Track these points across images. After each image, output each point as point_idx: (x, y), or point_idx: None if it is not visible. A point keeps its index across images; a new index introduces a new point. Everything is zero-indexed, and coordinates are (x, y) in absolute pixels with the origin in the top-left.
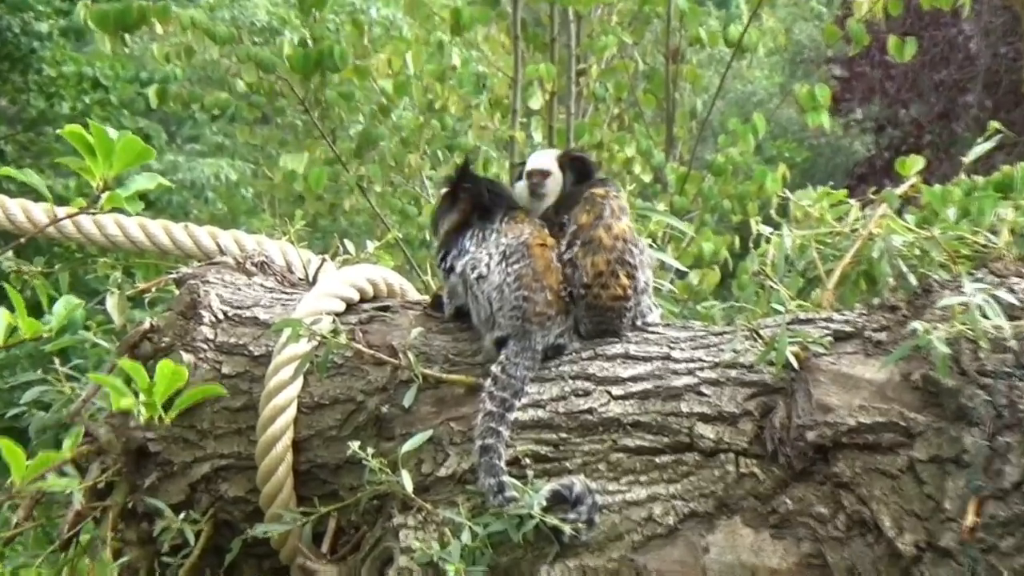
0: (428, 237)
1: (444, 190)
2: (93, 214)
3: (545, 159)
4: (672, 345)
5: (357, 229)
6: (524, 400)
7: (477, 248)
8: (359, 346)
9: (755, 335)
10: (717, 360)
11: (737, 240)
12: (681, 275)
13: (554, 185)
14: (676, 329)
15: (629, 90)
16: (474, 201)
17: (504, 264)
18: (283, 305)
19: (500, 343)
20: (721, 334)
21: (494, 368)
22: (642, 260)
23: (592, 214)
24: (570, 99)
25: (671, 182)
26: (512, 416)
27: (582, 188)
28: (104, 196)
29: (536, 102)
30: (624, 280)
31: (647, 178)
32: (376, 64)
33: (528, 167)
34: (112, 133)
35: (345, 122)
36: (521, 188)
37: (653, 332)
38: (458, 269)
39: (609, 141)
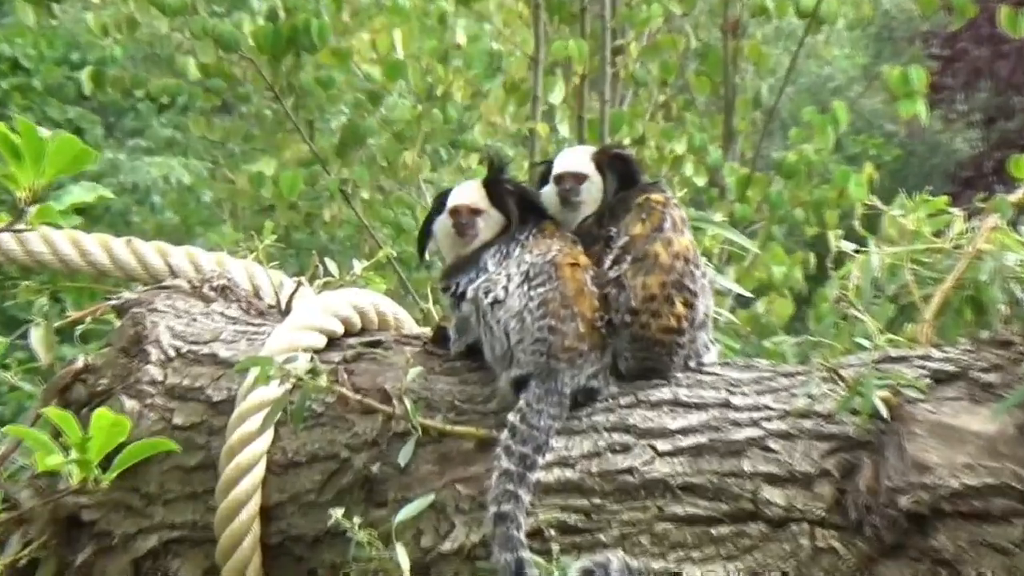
0: (429, 255)
1: (436, 199)
2: (20, 231)
3: (578, 159)
4: (732, 389)
5: (340, 245)
6: (548, 457)
7: (497, 268)
8: (343, 390)
9: (835, 377)
10: (788, 408)
11: (813, 259)
12: (744, 303)
13: (591, 191)
14: (737, 369)
15: (678, 72)
16: (508, 216)
17: (526, 286)
18: (249, 339)
19: (519, 384)
20: (793, 375)
21: (512, 417)
22: (704, 286)
23: (649, 224)
24: (604, 83)
25: (730, 186)
26: (534, 476)
27: (632, 193)
28: (32, 210)
29: (557, 95)
30: (680, 308)
31: (700, 181)
32: (359, 45)
33: (558, 169)
34: (43, 132)
35: (325, 113)
36: (549, 195)
37: (709, 374)
38: (470, 295)
39: (653, 136)
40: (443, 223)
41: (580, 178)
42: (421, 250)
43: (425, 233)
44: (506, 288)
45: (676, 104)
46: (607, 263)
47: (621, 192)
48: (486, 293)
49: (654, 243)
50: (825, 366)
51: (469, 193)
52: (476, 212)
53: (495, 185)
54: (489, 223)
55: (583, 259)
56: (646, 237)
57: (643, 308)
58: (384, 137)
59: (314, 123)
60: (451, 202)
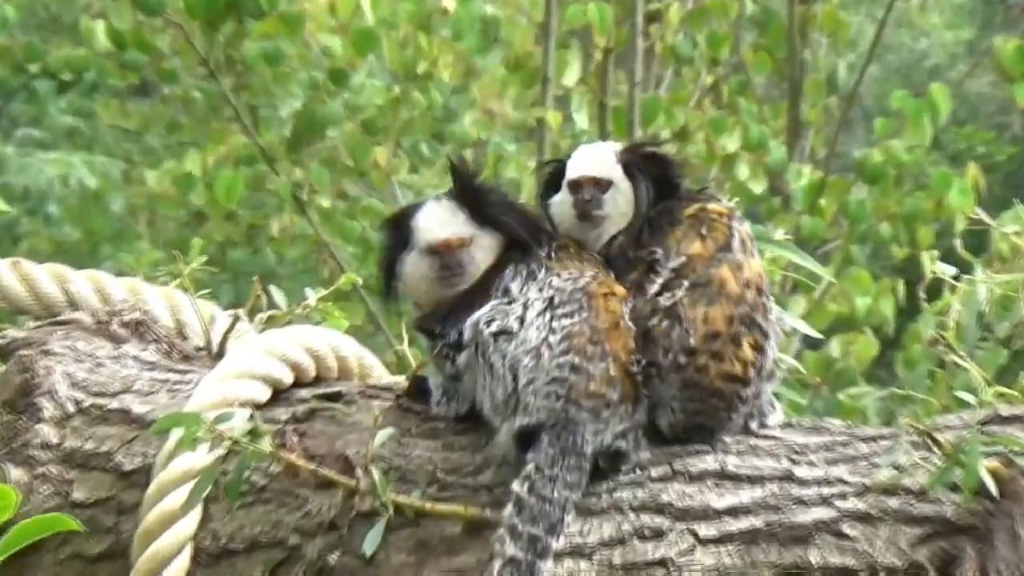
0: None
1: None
2: None
3: (601, 159)
4: (796, 457)
5: (291, 268)
6: (559, 543)
7: (520, 290)
8: (293, 457)
9: (929, 441)
10: (868, 482)
11: (902, 287)
12: (812, 343)
13: (618, 202)
14: (802, 432)
15: (732, 46)
16: (511, 234)
17: (548, 315)
18: (171, 390)
19: (526, 439)
20: (875, 440)
21: (517, 486)
22: (775, 326)
23: (712, 242)
24: (635, 59)
25: (796, 193)
26: (547, 566)
27: (678, 203)
28: None
29: (573, 74)
30: (747, 352)
31: (758, 187)
32: (314, 10)
33: (573, 173)
34: None
35: (273, 97)
36: (561, 207)
37: (766, 437)
38: (469, 335)
39: (698, 127)
40: (416, 264)
41: (603, 184)
42: (386, 292)
43: (388, 273)
44: (521, 318)
45: (728, 88)
46: (653, 289)
47: (661, 202)
48: (488, 323)
49: (720, 266)
50: (917, 428)
51: (445, 220)
52: (467, 243)
53: (478, 200)
54: (485, 253)
55: (619, 289)
56: (709, 258)
57: (703, 348)
58: (349, 128)
59: (258, 110)
60: (428, 236)
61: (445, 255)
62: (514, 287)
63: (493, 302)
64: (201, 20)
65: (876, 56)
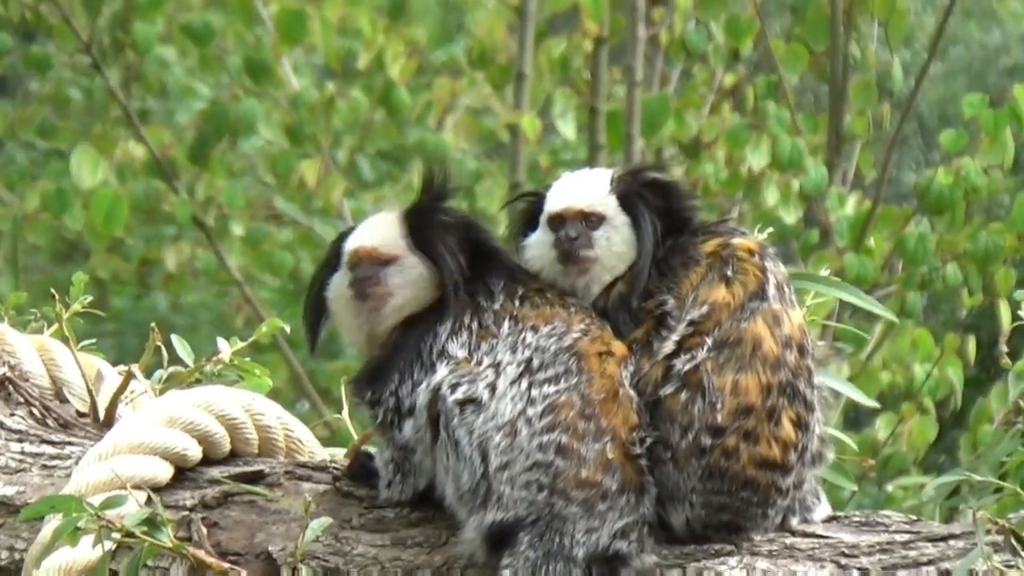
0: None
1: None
2: None
3: (588, 187)
4: (844, 561)
5: (196, 313)
6: None
7: (470, 352)
8: (201, 554)
9: (1013, 540)
10: None
11: (973, 347)
12: (851, 422)
13: (613, 241)
14: (852, 528)
15: (756, 37)
16: (447, 267)
17: (525, 382)
18: (45, 467)
19: (498, 539)
20: (943, 540)
21: None
22: (820, 393)
23: (741, 287)
24: (635, 55)
25: (838, 225)
26: None
27: (693, 239)
28: None
29: (562, 111)
30: (788, 430)
31: (790, 216)
32: None
33: (555, 205)
34: None
35: (171, 95)
36: (540, 247)
37: (806, 534)
38: (421, 402)
39: (714, 139)
40: (339, 284)
41: (593, 220)
42: (311, 329)
43: (315, 301)
44: (492, 386)
45: (753, 89)
46: (665, 349)
47: (670, 239)
48: (452, 388)
49: (752, 319)
50: (998, 524)
51: (377, 230)
52: (386, 260)
53: (423, 217)
54: (410, 278)
55: (618, 346)
56: (738, 308)
57: (732, 426)
58: (272, 130)
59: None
60: (348, 246)
61: (359, 268)
62: (453, 347)
63: (445, 369)
64: None
65: (938, 52)
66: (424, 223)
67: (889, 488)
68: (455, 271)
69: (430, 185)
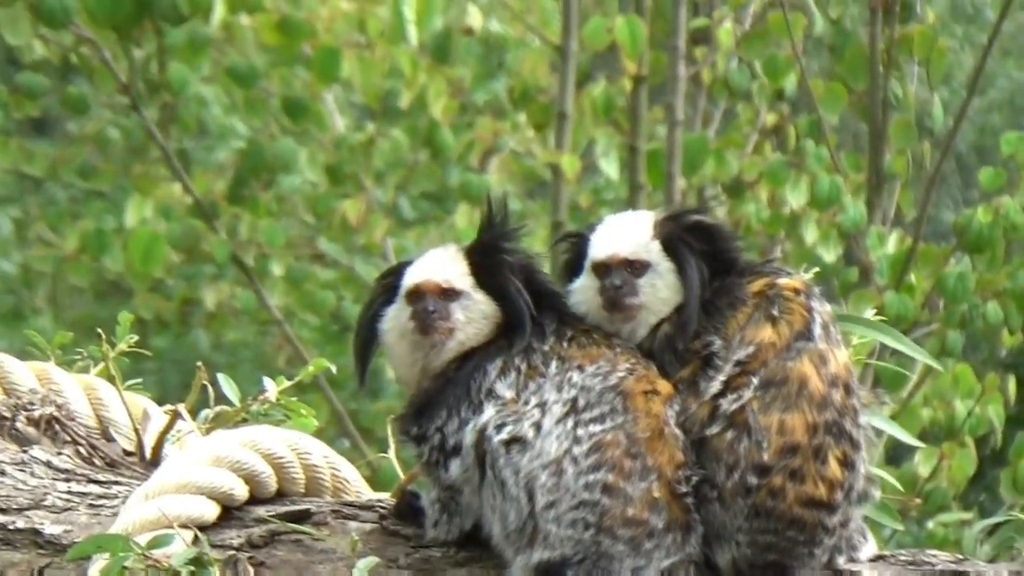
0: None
1: (382, 278)
2: None
3: (631, 233)
4: None
5: (237, 352)
6: None
7: (517, 392)
8: None
9: None
10: None
11: (1013, 386)
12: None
13: (658, 287)
14: (896, 567)
15: (798, 76)
16: (508, 307)
17: (571, 422)
18: (92, 506)
19: None
20: None
21: None
22: (867, 432)
23: (787, 327)
24: (675, 93)
25: (878, 264)
26: None
27: (739, 280)
28: None
29: (604, 150)
30: (834, 469)
31: (829, 255)
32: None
33: (599, 252)
34: None
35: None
36: (584, 294)
37: (853, 573)
38: (468, 441)
39: (755, 178)
40: (396, 316)
41: (638, 267)
42: (361, 362)
43: (367, 334)
44: (538, 425)
45: (794, 128)
46: (712, 389)
47: (717, 280)
48: (498, 428)
49: (798, 358)
50: None
51: (440, 265)
52: (452, 295)
53: (488, 256)
54: (473, 315)
55: (663, 385)
56: (784, 348)
57: (778, 466)
58: (313, 168)
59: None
60: (409, 279)
61: (424, 301)
62: (501, 387)
63: (492, 409)
64: (107, 27)
65: (978, 89)
66: (489, 262)
67: (930, 525)
68: (525, 311)
69: (492, 223)
